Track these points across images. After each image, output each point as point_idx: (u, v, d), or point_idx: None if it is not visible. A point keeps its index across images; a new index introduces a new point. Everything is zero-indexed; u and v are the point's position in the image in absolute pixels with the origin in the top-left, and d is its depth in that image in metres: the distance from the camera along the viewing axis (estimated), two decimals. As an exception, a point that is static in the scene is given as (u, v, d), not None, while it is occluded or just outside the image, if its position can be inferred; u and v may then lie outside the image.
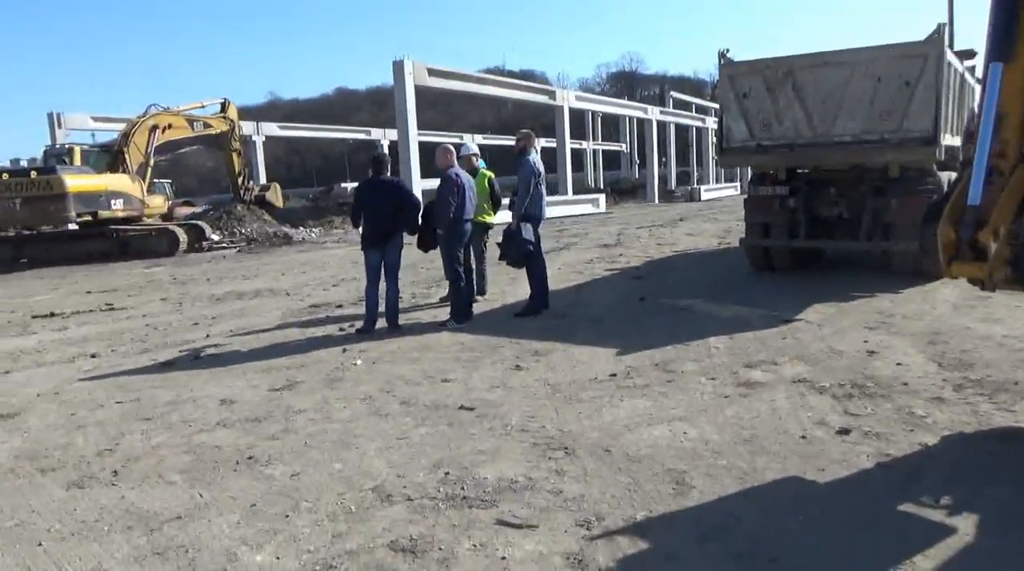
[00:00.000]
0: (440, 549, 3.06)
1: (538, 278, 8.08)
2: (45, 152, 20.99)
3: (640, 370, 5.68)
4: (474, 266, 9.09)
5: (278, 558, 3.05)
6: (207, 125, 23.59)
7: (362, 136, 57.51)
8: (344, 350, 6.80)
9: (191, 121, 22.67)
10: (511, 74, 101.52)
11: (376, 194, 7.35)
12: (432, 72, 26.39)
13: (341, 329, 7.79)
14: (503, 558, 2.97)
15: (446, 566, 2.92)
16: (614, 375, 5.57)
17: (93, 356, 7.25)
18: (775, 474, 3.69)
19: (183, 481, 3.94)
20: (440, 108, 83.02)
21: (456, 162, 7.78)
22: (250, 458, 4.22)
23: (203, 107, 23.99)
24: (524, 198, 7.85)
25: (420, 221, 7.69)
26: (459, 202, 7.47)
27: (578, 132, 68.47)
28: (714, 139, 29.86)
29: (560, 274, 11.27)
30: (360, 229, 7.44)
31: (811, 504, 3.36)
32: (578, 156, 70.52)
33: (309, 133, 54.23)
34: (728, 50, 9.23)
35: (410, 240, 7.77)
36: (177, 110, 22.15)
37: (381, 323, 7.61)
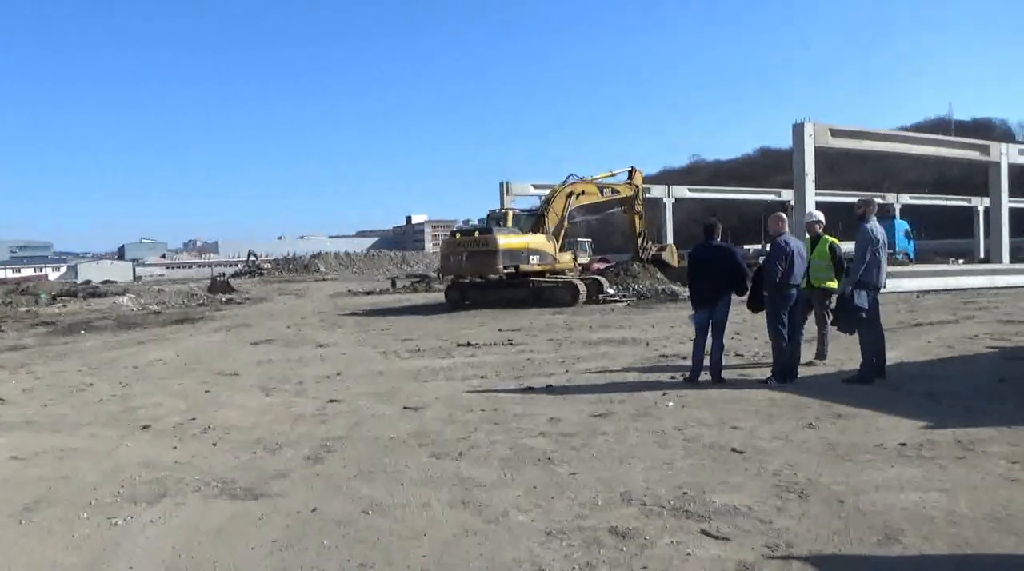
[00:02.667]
0: (645, 539, 3.91)
1: (869, 347, 7.99)
2: (488, 215, 25.94)
3: (937, 444, 5.56)
4: (816, 330, 9.31)
5: (532, 520, 4.24)
6: (615, 191, 26.56)
7: (772, 197, 57.01)
8: (664, 393, 7.77)
9: (601, 188, 25.79)
10: (958, 124, 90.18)
11: (705, 259, 8.24)
12: (835, 133, 25.78)
13: (672, 377, 8.75)
14: (688, 554, 3.71)
15: (640, 550, 3.78)
16: (903, 444, 5.58)
17: (482, 377, 9.40)
18: (1001, 550, 3.68)
19: (499, 465, 5.39)
20: (870, 165, 77.82)
21: (787, 229, 8.24)
22: (549, 459, 5.50)
23: (613, 175, 27.08)
24: (859, 265, 7.91)
25: (750, 284, 8.33)
26: (786, 268, 7.93)
27: (1043, 190, 58.14)
28: None
29: (927, 347, 10.55)
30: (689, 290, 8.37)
31: (1015, 579, 3.36)
32: (1039, 218, 59.74)
33: (717, 194, 55.77)
34: None
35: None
36: (591, 178, 25.44)
37: (707, 375, 8.38)
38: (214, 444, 6.31)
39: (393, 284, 40.33)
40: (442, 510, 4.49)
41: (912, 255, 45.82)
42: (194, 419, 7.36)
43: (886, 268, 8.22)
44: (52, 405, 8.48)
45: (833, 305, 8.55)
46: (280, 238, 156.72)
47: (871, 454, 5.37)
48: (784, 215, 8.46)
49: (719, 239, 8.38)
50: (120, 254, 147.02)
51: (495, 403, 7.64)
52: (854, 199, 52.73)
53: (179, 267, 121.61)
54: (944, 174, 76.28)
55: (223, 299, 34.41)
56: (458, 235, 22.75)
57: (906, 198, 61.28)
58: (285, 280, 63.56)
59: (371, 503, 4.64)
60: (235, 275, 71.57)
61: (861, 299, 7.86)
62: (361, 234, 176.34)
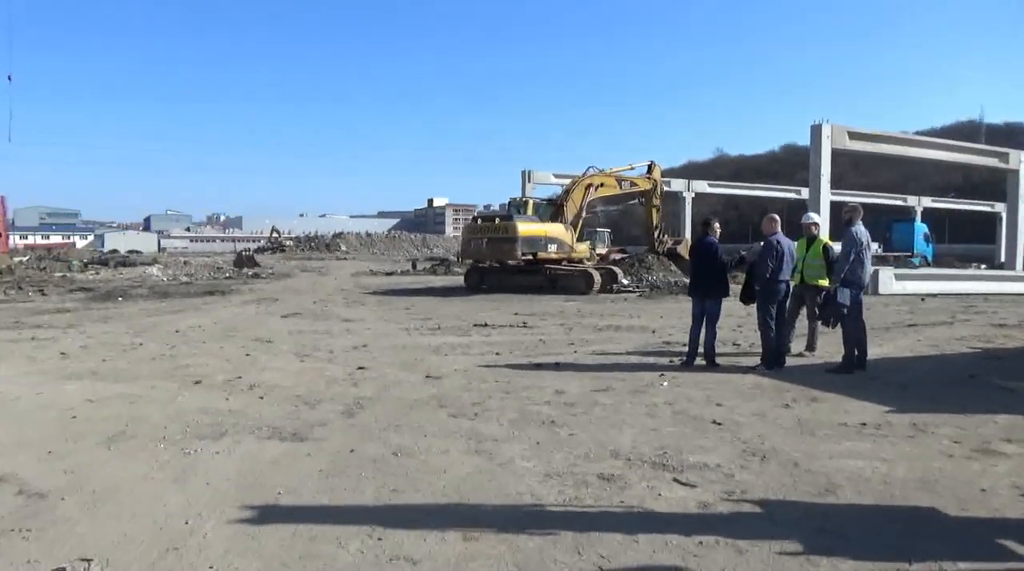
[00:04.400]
0: (625, 483, 4.74)
1: (851, 340, 8.72)
2: (509, 203, 26.74)
3: (894, 425, 6.32)
4: (808, 324, 10.06)
5: (534, 466, 5.08)
6: (633, 184, 27.24)
7: (792, 195, 57.20)
8: (661, 374, 8.57)
9: (620, 181, 26.47)
10: (990, 128, 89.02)
11: (697, 254, 9.01)
12: (853, 135, 26.19)
13: (671, 361, 9.54)
14: (659, 494, 4.54)
15: (620, 490, 4.61)
16: (864, 424, 6.35)
17: (497, 354, 10.24)
18: (918, 503, 4.46)
19: (507, 424, 6.24)
20: (896, 167, 77.28)
21: (779, 229, 8.97)
22: (552, 422, 6.34)
23: (632, 169, 27.74)
24: (843, 265, 8.65)
25: (746, 278, 9.09)
26: (776, 265, 8.68)
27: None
28: None
29: (914, 345, 11.25)
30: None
31: (917, 525, 4.14)
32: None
33: (738, 191, 56.10)
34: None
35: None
36: (610, 171, 26.12)
37: (704, 360, 9.16)
38: (261, 398, 7.22)
39: (413, 266, 41.29)
40: (459, 456, 5.35)
41: (930, 258, 46.03)
42: (240, 377, 8.28)
43: (869, 269, 8.94)
44: (110, 360, 9.45)
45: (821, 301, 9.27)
46: (302, 216, 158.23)
47: (833, 430, 6.15)
48: (776, 217, 9.20)
49: (714, 237, 9.13)
50: (146, 225, 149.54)
51: (507, 376, 8.49)
52: (875, 200, 52.53)
53: (203, 241, 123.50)
54: (970, 178, 75.60)
55: (249, 273, 35.55)
56: (479, 221, 23.60)
57: (927, 201, 61.15)
58: (306, 257, 64.84)
59: (399, 448, 5.51)
60: (258, 251, 73.03)
61: (844, 296, 8.59)
62: (382, 215, 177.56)
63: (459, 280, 26.90)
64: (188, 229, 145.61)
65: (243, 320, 14.74)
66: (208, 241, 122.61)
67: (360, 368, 8.95)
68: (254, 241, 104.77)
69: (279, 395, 7.37)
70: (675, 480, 4.81)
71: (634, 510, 4.31)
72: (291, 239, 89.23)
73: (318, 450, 5.45)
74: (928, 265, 41.93)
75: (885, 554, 3.69)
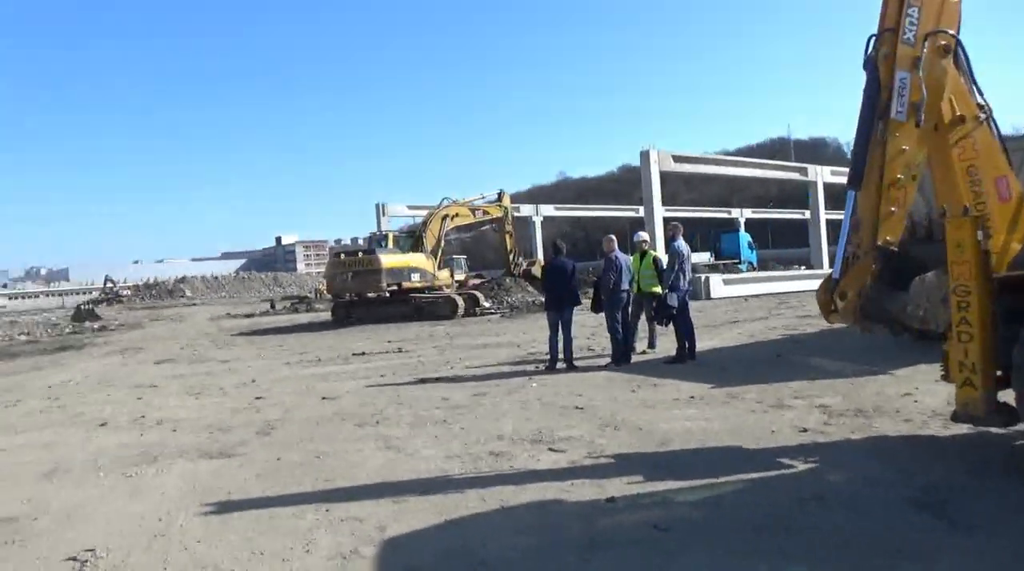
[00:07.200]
0: (511, 455, 5.99)
1: (683, 335, 10.52)
2: (369, 237, 27.58)
3: (714, 396, 8.00)
4: (648, 326, 11.81)
5: (436, 452, 6.22)
6: (486, 212, 28.95)
7: (631, 213, 61.56)
8: (530, 378, 9.94)
9: (473, 210, 28.09)
10: (797, 143, 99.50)
11: (552, 271, 10.55)
12: (677, 158, 29.29)
13: (536, 367, 10.95)
14: (538, 459, 5.82)
15: (508, 460, 5.86)
16: (692, 397, 7.98)
17: (381, 376, 11.22)
18: (725, 443, 6.02)
19: (407, 426, 7.33)
20: (721, 182, 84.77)
21: (616, 247, 10.67)
22: (445, 421, 7.49)
23: (483, 197, 29.46)
24: (670, 274, 10.46)
25: (585, 294, 10.70)
26: (616, 278, 10.35)
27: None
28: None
29: (736, 337, 13.38)
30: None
31: (726, 457, 5.68)
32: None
33: (581, 212, 59.66)
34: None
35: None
36: (463, 202, 27.67)
37: (564, 364, 10.63)
38: (173, 430, 7.84)
39: (272, 306, 40.80)
40: (372, 452, 6.38)
41: (755, 263, 51.04)
42: (143, 417, 8.77)
43: (690, 275, 10.83)
44: (-4, 417, 9.55)
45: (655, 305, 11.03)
46: (137, 263, 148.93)
47: (668, 404, 7.73)
48: (613, 237, 10.92)
49: (563, 256, 10.74)
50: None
51: (397, 391, 9.53)
52: (704, 214, 57.23)
53: (24, 297, 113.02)
54: (784, 189, 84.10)
55: (94, 327, 33.87)
56: (343, 256, 24.30)
57: (748, 213, 67.59)
58: (150, 307, 61.70)
59: (319, 452, 6.46)
60: (93, 303, 68.38)
61: (673, 300, 10.37)
62: (227, 256, 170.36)
63: (324, 316, 27.32)
64: (5, 285, 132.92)
65: (115, 370, 14.71)
66: (31, 297, 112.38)
67: (258, 398, 9.65)
68: (85, 293, 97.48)
69: (190, 427, 8.01)
70: (549, 449, 6.12)
71: (521, 471, 5.56)
72: (128, 288, 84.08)
73: (248, 462, 6.29)
74: (754, 269, 46.44)
75: (702, 474, 5.16)
